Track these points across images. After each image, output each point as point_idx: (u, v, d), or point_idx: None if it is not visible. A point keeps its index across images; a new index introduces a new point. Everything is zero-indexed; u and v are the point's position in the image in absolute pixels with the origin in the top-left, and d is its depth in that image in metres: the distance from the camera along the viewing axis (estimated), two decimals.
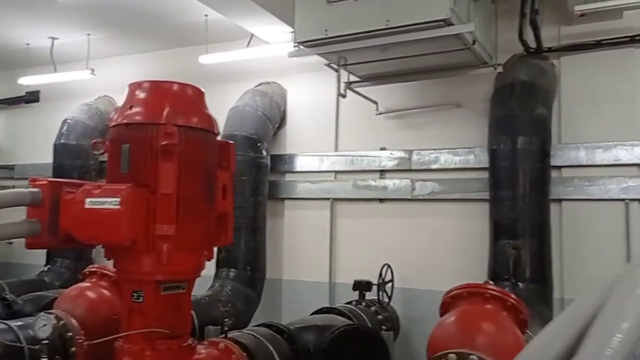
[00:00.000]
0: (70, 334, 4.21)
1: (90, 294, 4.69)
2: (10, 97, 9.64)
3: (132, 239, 2.82)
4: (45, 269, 7.78)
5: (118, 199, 2.82)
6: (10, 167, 9.64)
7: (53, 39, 7.90)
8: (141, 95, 3.12)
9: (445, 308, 3.77)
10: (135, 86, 3.19)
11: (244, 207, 6.59)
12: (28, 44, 8.19)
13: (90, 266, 5.11)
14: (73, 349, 4.07)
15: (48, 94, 9.32)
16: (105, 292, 4.72)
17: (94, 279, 4.85)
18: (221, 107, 7.26)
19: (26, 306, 5.65)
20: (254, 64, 7.23)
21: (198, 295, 6.17)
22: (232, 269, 6.61)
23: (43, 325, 2.57)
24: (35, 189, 2.99)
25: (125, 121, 3.04)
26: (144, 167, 2.95)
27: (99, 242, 2.91)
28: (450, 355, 3.05)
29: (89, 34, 7.65)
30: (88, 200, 2.91)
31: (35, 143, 9.43)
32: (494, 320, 3.49)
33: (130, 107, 3.05)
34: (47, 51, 8.09)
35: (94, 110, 8.36)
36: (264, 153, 6.86)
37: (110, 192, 2.86)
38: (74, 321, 4.30)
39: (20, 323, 4.11)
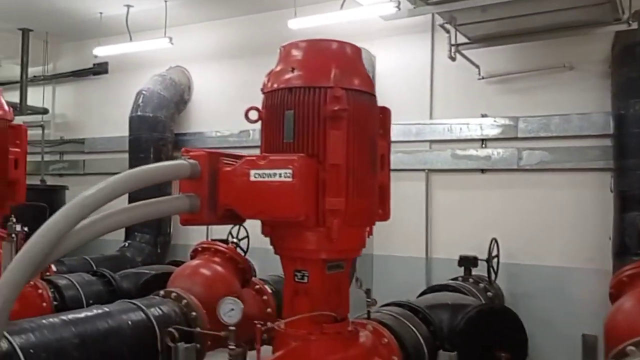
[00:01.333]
0: (194, 313, 4.10)
1: (206, 271, 4.57)
2: (78, 69, 9.53)
3: (305, 214, 2.59)
4: (126, 244, 7.74)
5: (290, 171, 2.59)
6: (80, 141, 9.60)
7: (128, 6, 7.69)
8: (301, 56, 2.85)
9: (619, 288, 3.44)
10: (291, 47, 2.92)
11: None
12: (101, 13, 8.01)
13: (201, 242, 4.99)
14: (199, 329, 3.95)
15: (117, 66, 9.18)
16: (220, 269, 4.58)
17: (206, 256, 4.72)
18: None
19: (124, 283, 5.56)
20: (343, 28, 6.89)
21: None
22: None
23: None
24: (193, 161, 2.76)
25: (287, 85, 2.78)
26: (312, 135, 2.70)
27: (267, 217, 2.68)
28: None
29: (166, 0, 7.40)
30: (253, 172, 2.69)
31: (104, 116, 9.35)
32: None
33: (293, 70, 2.78)
34: (120, 20, 7.89)
35: (169, 80, 8.18)
36: None
37: (279, 163, 2.63)
38: (196, 300, 4.18)
39: (146, 302, 3.99)
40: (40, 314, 4.67)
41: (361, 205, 2.79)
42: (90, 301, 5.13)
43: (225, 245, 4.72)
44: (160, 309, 3.91)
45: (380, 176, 3.01)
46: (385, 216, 3.09)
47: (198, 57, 8.36)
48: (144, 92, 7.99)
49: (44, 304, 4.71)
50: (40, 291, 4.74)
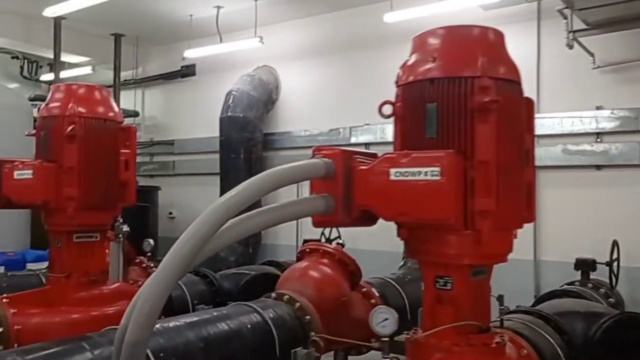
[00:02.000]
0: (308, 317, 3.97)
1: (316, 273, 4.43)
2: (166, 72, 9.74)
3: (456, 215, 2.38)
4: None
5: (437, 169, 2.38)
6: (170, 142, 9.81)
7: (218, 7, 7.74)
8: (440, 45, 2.64)
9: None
10: (427, 35, 2.72)
11: None
12: (191, 15, 8.11)
13: (308, 243, 4.89)
14: (313, 334, 3.83)
15: (204, 67, 9.31)
16: (330, 271, 4.44)
17: (314, 257, 4.60)
18: None
19: (224, 283, 5.54)
20: (441, 20, 6.63)
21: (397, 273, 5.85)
22: None
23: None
24: (327, 160, 2.62)
25: (427, 76, 2.58)
26: (457, 130, 2.49)
27: (411, 219, 2.50)
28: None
29: (256, 0, 7.39)
30: (394, 170, 2.50)
31: (193, 117, 9.51)
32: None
33: (434, 60, 2.58)
34: (209, 21, 7.96)
35: (257, 80, 8.19)
36: None
37: (424, 160, 2.43)
38: (309, 303, 4.06)
39: (260, 304, 3.91)
40: None
41: (511, 205, 2.55)
42: (195, 301, 5.16)
43: (334, 247, 4.58)
44: (275, 311, 3.81)
45: (526, 173, 2.77)
46: (530, 217, 2.83)
47: (286, 56, 8.33)
48: (233, 92, 8.04)
49: None
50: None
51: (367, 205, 2.55)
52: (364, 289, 4.82)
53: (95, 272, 4.44)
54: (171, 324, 3.19)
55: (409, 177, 2.44)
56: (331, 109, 7.92)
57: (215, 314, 3.53)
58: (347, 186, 2.60)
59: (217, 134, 8.25)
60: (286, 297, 4.10)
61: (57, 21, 8.39)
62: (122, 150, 4.54)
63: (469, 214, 2.43)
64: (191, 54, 8.30)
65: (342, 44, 7.69)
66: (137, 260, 5.70)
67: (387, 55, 7.40)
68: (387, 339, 2.32)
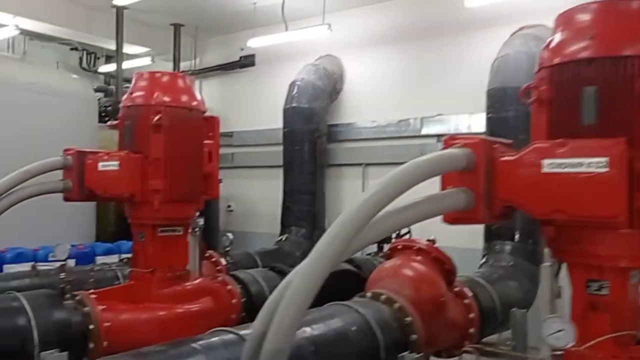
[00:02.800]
0: (408, 318, 3.74)
1: (411, 272, 4.19)
2: (225, 62, 9.61)
3: (625, 213, 2.11)
4: (283, 238, 7.63)
5: (605, 160, 2.13)
6: (228, 134, 9.68)
7: None
8: (596, 21, 2.36)
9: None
10: (575, 12, 2.45)
11: None
12: (255, 4, 7.95)
13: (400, 239, 4.66)
14: (414, 336, 3.62)
15: (264, 58, 9.15)
16: (426, 269, 4.21)
17: (406, 255, 4.36)
18: (486, 55, 6.47)
19: None
20: (523, 3, 6.29)
21: (482, 271, 5.58)
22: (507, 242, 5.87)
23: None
24: (467, 150, 2.37)
25: (582, 56, 2.31)
26: (621, 116, 2.23)
27: (570, 216, 2.24)
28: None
29: None
30: (547, 162, 2.25)
31: (252, 108, 9.37)
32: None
33: (592, 38, 2.30)
34: (273, 10, 7.78)
35: (322, 70, 7.99)
36: None
37: (587, 150, 2.19)
38: (409, 304, 3.84)
39: (359, 305, 3.70)
40: (231, 311, 4.61)
41: None
42: None
43: (428, 244, 4.34)
44: (376, 313, 3.60)
45: None
46: None
47: (351, 45, 8.10)
48: (298, 82, 7.85)
49: (234, 300, 4.60)
50: (229, 287, 4.64)
51: (513, 200, 2.33)
52: (457, 288, 4.57)
53: (179, 267, 4.32)
54: None
55: (567, 169, 2.19)
56: (400, 99, 7.65)
57: (318, 314, 3.33)
58: (488, 180, 2.37)
59: (277, 125, 8.09)
60: (383, 297, 3.86)
61: (120, 11, 8.35)
62: (205, 142, 4.42)
63: (636, 210, 2.18)
64: (254, 43, 8.13)
65: (414, 31, 7.40)
66: (207, 255, 5.58)
67: (465, 42, 7.12)
68: (560, 352, 2.05)
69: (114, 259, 6.37)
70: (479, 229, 6.09)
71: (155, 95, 4.08)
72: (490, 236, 5.97)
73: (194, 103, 4.28)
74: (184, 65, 9.75)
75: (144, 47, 9.58)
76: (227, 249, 4.96)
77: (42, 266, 5.93)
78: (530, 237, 5.79)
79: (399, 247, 4.47)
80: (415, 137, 7.44)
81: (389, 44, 7.76)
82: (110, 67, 10.63)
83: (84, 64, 10.47)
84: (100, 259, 6.42)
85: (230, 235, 4.94)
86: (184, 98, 4.23)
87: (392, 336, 3.54)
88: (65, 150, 4.21)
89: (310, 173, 7.73)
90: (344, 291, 3.85)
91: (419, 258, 4.27)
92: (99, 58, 10.95)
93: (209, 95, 10.13)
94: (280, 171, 7.95)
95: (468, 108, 7.03)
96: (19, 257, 5.74)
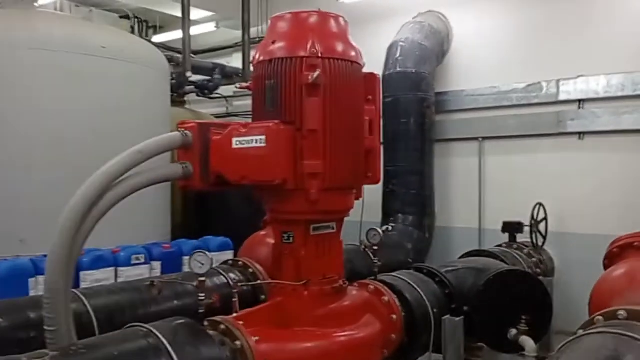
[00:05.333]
0: None
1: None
2: None
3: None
4: (389, 227, 6.46)
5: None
6: None
7: None
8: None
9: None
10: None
11: None
12: None
13: (622, 237, 3.57)
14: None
15: (347, 18, 7.91)
16: None
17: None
18: None
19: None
20: None
21: None
22: None
23: None
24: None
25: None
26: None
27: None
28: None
29: None
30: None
31: None
32: None
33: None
34: None
35: (428, 28, 6.77)
36: None
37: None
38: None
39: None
40: (391, 330, 3.54)
41: None
42: (435, 310, 3.92)
43: None
44: None
45: None
46: None
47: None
48: (401, 43, 6.65)
49: (394, 316, 3.53)
50: (385, 298, 3.56)
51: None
52: None
53: (335, 276, 3.25)
54: None
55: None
56: (526, 59, 6.44)
57: None
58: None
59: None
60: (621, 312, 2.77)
61: None
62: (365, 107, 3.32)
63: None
64: None
65: None
66: None
67: None
68: None
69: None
70: None
71: (309, 44, 2.97)
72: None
73: (353, 54, 3.18)
74: (253, 31, 8.61)
75: (209, 12, 8.44)
76: (376, 248, 3.86)
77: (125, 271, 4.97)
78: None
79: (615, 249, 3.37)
80: (550, 104, 6.25)
81: None
82: (165, 37, 9.57)
83: (136, 33, 9.38)
84: (187, 259, 5.37)
85: (380, 231, 3.83)
86: (343, 47, 3.12)
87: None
88: (180, 123, 3.13)
89: (418, 150, 6.58)
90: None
91: None
92: (150, 28, 9.90)
93: None
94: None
95: (619, 66, 5.82)
96: (99, 262, 4.71)
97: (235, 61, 9.05)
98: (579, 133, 6.08)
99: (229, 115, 9.65)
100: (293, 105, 2.95)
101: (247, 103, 9.36)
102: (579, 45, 6.09)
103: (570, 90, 6.12)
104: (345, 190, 3.16)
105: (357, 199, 3.29)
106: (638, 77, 5.71)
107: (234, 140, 2.98)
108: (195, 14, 8.26)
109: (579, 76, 6.06)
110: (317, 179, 2.95)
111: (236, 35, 8.94)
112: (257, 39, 8.77)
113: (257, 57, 3.14)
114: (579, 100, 6.07)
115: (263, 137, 2.88)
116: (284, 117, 2.94)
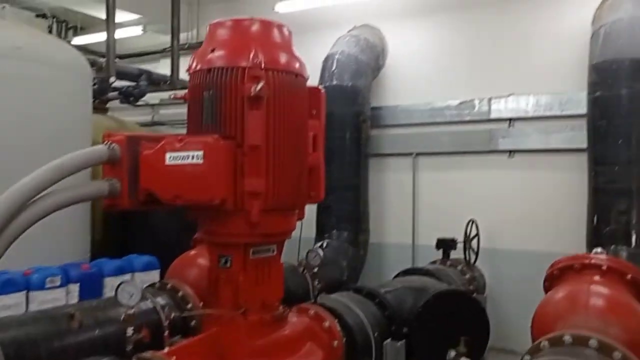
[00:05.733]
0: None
1: (614, 304, 3.10)
2: None
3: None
4: (324, 244, 6.31)
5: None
6: None
7: None
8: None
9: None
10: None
11: None
12: None
13: (574, 257, 3.54)
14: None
15: None
16: (629, 299, 3.12)
17: (593, 277, 3.27)
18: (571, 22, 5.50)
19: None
20: None
21: None
22: None
23: None
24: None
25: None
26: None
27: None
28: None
29: None
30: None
31: None
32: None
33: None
34: None
35: (364, 41, 6.73)
36: None
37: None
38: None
39: None
40: (334, 358, 3.37)
41: None
42: (375, 334, 3.79)
43: (620, 261, 3.24)
44: None
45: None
46: None
47: (394, 12, 6.90)
48: (337, 56, 6.56)
49: (335, 343, 3.36)
50: (326, 324, 3.39)
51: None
52: None
53: (275, 303, 3.04)
54: None
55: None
56: (458, 77, 6.52)
57: None
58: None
59: None
60: (592, 341, 2.74)
61: None
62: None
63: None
64: (283, 7, 6.75)
65: None
66: None
67: (547, 6, 6.07)
68: None
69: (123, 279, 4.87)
70: None
71: (252, 53, 2.77)
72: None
73: (297, 66, 3.00)
74: (182, 37, 8.26)
75: (135, 15, 8.01)
76: (316, 270, 3.68)
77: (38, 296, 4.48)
78: None
79: (576, 266, 3.36)
80: (483, 122, 6.35)
81: (442, 11, 6.66)
82: (86, 39, 9.03)
83: (54, 34, 8.77)
84: (108, 281, 4.96)
85: (320, 252, 3.66)
86: (288, 59, 2.94)
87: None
88: (107, 135, 2.83)
89: (353, 165, 6.50)
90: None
91: (610, 282, 3.19)
92: (70, 29, 9.30)
93: None
94: None
95: (548, 87, 6.01)
96: (7, 286, 4.19)
97: (162, 67, 8.67)
98: (510, 151, 6.23)
99: (154, 124, 9.21)
100: (234, 119, 2.73)
101: (175, 112, 8.98)
102: (511, 65, 6.25)
103: (501, 108, 6.26)
104: (288, 210, 2.96)
105: (299, 219, 3.10)
106: (565, 98, 5.92)
107: (168, 155, 2.71)
108: (121, 16, 7.82)
109: (509, 95, 6.21)
110: (259, 198, 2.73)
111: (164, 40, 8.60)
112: (187, 45, 8.47)
113: (194, 65, 2.90)
114: (510, 119, 6.21)
115: (201, 153, 2.64)
116: (224, 132, 2.71)
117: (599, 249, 3.47)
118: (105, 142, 2.76)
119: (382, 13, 6.99)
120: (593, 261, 3.22)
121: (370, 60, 6.70)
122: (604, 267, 3.16)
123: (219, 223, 2.81)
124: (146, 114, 9.17)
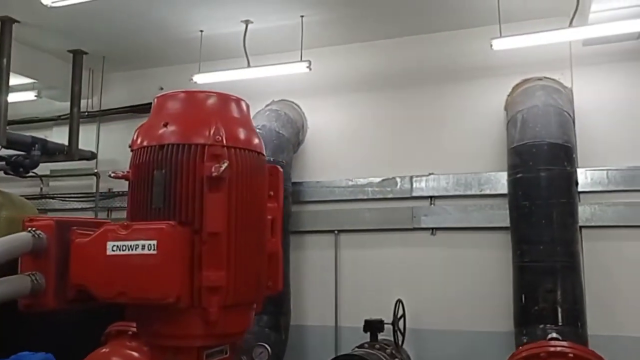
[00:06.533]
0: None
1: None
2: (135, 103, 7.74)
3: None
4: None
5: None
6: None
7: (247, 22, 6.20)
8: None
9: None
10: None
11: None
12: (202, 31, 6.46)
13: (541, 343, 3.45)
14: None
15: None
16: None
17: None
18: (487, 106, 5.78)
19: None
20: (541, 51, 5.79)
21: None
22: None
23: None
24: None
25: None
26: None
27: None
28: None
29: (302, 16, 5.98)
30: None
31: None
32: None
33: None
34: (221, 41, 6.40)
35: (284, 117, 6.62)
36: None
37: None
38: None
39: None
40: None
41: None
42: None
43: (587, 350, 3.20)
44: None
45: None
46: None
47: (315, 89, 6.91)
48: (258, 130, 6.34)
49: None
50: None
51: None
52: None
53: None
54: None
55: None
56: (380, 155, 6.55)
57: None
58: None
59: None
60: None
61: (8, 24, 6.24)
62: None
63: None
64: (201, 78, 6.51)
65: (395, 77, 6.53)
66: None
67: (462, 91, 6.37)
68: None
69: None
70: None
71: (212, 129, 2.49)
72: None
73: (257, 142, 2.77)
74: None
75: (28, 79, 7.36)
76: None
77: None
78: None
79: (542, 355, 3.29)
80: (405, 200, 6.38)
81: (363, 90, 6.77)
82: None
83: None
84: None
85: (268, 348, 3.30)
86: (249, 135, 2.70)
87: None
88: (29, 220, 2.38)
89: None
90: None
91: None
92: None
93: (111, 143, 8.11)
94: None
95: (467, 166, 6.21)
96: None
97: (55, 135, 8.00)
98: (432, 228, 6.28)
99: (43, 197, 8.37)
100: (191, 202, 2.39)
101: (67, 184, 8.27)
102: (432, 144, 6.42)
103: (422, 186, 6.34)
104: (247, 305, 2.62)
105: (257, 313, 2.76)
106: (484, 178, 6.14)
107: (110, 244, 2.30)
108: (12, 80, 7.16)
109: (430, 174, 6.33)
110: (219, 294, 2.37)
111: (58, 106, 8.00)
112: (86, 113, 7.90)
113: (140, 140, 2.56)
114: (431, 197, 6.30)
115: (154, 243, 2.26)
116: (178, 217, 2.36)
117: (554, 334, 3.44)
118: (29, 229, 2.31)
119: (302, 88, 6.97)
120: (559, 349, 3.14)
121: (291, 136, 6.59)
122: (571, 355, 3.09)
123: (170, 323, 2.38)
124: (34, 186, 8.31)
